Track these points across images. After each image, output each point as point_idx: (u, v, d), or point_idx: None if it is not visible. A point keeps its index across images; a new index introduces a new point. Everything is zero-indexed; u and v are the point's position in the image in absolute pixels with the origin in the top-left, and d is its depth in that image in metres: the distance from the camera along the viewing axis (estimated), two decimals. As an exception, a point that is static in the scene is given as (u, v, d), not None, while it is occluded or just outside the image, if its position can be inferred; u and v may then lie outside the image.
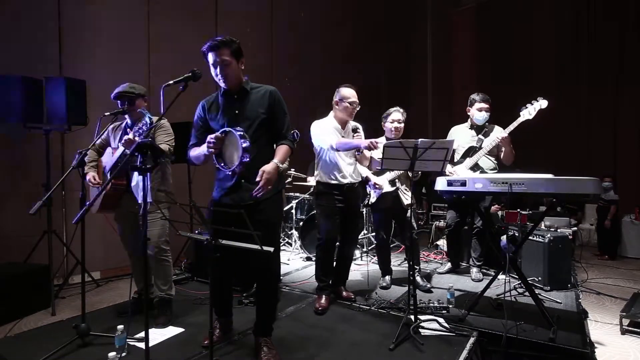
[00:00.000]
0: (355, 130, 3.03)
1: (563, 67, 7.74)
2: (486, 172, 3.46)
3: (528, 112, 3.15)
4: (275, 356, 2.15)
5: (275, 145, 2.23)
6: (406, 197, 3.35)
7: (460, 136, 3.63)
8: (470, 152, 3.49)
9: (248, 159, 2.00)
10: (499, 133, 3.32)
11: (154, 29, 4.55)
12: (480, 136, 3.51)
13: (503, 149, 3.41)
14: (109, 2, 4.19)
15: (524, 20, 8.18)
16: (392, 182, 3.35)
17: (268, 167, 2.05)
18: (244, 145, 1.99)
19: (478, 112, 3.53)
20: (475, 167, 3.49)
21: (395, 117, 3.35)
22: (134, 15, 4.40)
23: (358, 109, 2.99)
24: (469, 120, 3.68)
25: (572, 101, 7.63)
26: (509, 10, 8.38)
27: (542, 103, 3.13)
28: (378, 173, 3.37)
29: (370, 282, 3.57)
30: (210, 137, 2.06)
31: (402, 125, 3.37)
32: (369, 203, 3.44)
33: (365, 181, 3.34)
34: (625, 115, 7.09)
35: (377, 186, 3.31)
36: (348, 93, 2.99)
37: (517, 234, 3.84)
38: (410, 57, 9.69)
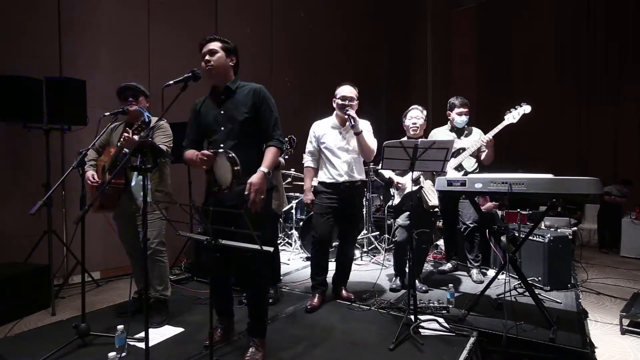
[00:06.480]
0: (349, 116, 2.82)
1: (563, 67, 7.75)
2: (469, 172, 3.54)
3: (512, 116, 3.27)
4: (259, 358, 2.13)
5: (264, 146, 2.19)
6: (429, 198, 3.15)
7: (442, 138, 3.66)
8: (455, 153, 3.54)
9: (237, 186, 2.01)
10: (482, 136, 3.42)
11: (154, 29, 4.55)
12: (462, 138, 3.65)
13: (485, 151, 3.48)
14: (109, 2, 4.19)
15: (524, 20, 8.18)
16: (415, 181, 3.11)
17: (255, 179, 2.01)
18: (236, 168, 1.98)
19: (458, 116, 3.66)
20: (460, 168, 3.58)
21: (413, 114, 3.29)
22: (134, 15, 4.40)
23: (354, 103, 2.93)
24: (448, 123, 3.80)
25: (572, 101, 7.63)
26: (509, 10, 8.39)
27: (526, 108, 3.24)
28: (402, 173, 3.28)
29: (369, 282, 3.56)
30: (201, 154, 2.05)
31: (421, 121, 3.28)
32: (393, 205, 3.33)
33: (389, 183, 3.28)
34: (626, 115, 7.10)
35: (399, 186, 3.23)
36: (341, 89, 2.96)
37: (517, 234, 3.84)
38: (410, 57, 9.69)
